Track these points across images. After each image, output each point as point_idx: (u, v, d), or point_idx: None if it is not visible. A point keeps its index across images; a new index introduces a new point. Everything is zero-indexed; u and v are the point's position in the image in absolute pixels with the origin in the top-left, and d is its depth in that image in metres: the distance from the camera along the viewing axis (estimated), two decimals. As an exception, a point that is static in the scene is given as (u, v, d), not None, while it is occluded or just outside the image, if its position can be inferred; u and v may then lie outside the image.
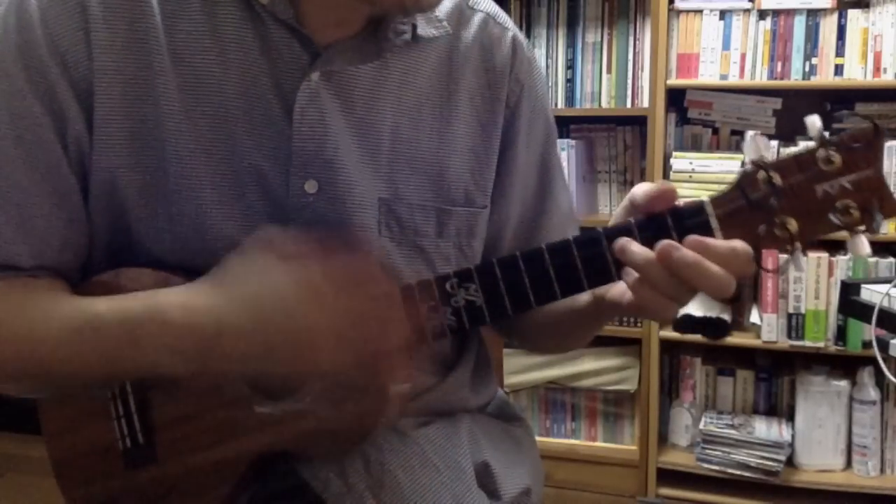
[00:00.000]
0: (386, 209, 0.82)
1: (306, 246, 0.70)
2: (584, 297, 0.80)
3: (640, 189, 0.72)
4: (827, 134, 0.67)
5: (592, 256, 0.72)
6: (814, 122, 0.67)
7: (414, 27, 0.82)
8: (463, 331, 0.75)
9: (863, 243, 0.67)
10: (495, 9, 0.92)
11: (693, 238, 0.68)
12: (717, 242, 0.68)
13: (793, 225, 0.68)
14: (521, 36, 0.93)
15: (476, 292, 0.73)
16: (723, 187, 0.70)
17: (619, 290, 0.75)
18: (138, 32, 0.75)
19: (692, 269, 0.67)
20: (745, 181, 0.69)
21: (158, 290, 0.73)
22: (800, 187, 0.68)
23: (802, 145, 2.15)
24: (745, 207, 0.69)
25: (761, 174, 0.68)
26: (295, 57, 0.78)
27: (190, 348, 0.70)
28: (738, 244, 0.68)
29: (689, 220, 0.70)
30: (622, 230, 0.71)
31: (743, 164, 2.25)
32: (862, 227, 0.67)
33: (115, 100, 0.75)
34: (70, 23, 0.73)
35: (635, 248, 0.69)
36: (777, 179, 0.67)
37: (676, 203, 0.71)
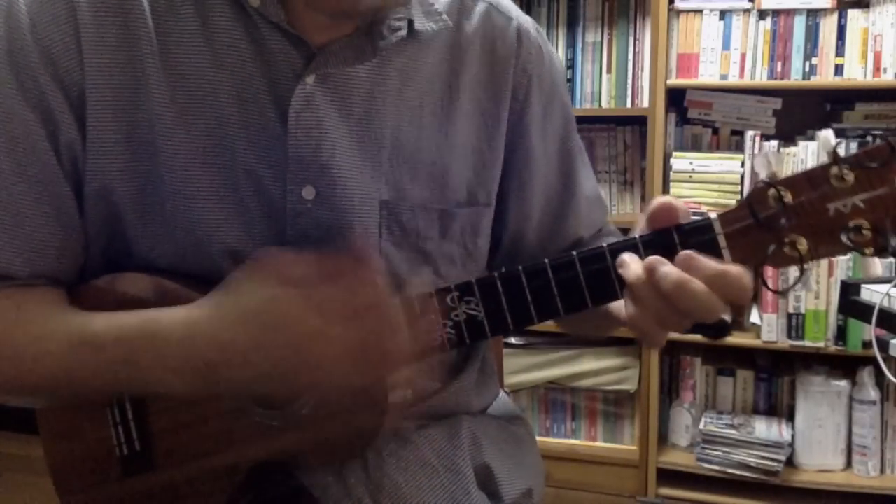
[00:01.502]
0: (387, 212, 0.81)
1: (310, 268, 0.68)
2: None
3: (650, 205, 0.71)
4: (840, 150, 0.66)
5: (596, 273, 0.70)
6: (827, 138, 0.66)
7: (410, 22, 0.80)
8: (463, 344, 0.74)
9: (874, 265, 0.66)
10: None
11: (683, 254, 0.66)
12: (707, 263, 0.65)
13: (803, 244, 0.66)
14: (529, 23, 0.90)
15: (477, 307, 0.72)
16: (732, 204, 0.69)
17: (620, 304, 0.73)
18: (129, 36, 0.74)
19: (676, 286, 0.64)
20: (755, 198, 0.67)
21: (159, 309, 0.72)
22: (811, 205, 0.66)
23: (802, 145, 2.18)
24: (753, 226, 0.67)
25: (772, 191, 0.66)
26: (289, 60, 0.76)
27: (190, 367, 0.69)
28: (732, 269, 0.65)
29: (696, 238, 0.68)
30: (627, 247, 0.70)
31: (742, 164, 2.27)
32: (873, 249, 0.66)
33: (107, 106, 0.74)
34: (60, 29, 0.72)
35: (634, 265, 0.67)
36: (788, 197, 0.66)
37: (683, 220, 0.70)
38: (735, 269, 0.65)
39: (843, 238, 0.66)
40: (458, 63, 0.85)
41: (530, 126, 0.89)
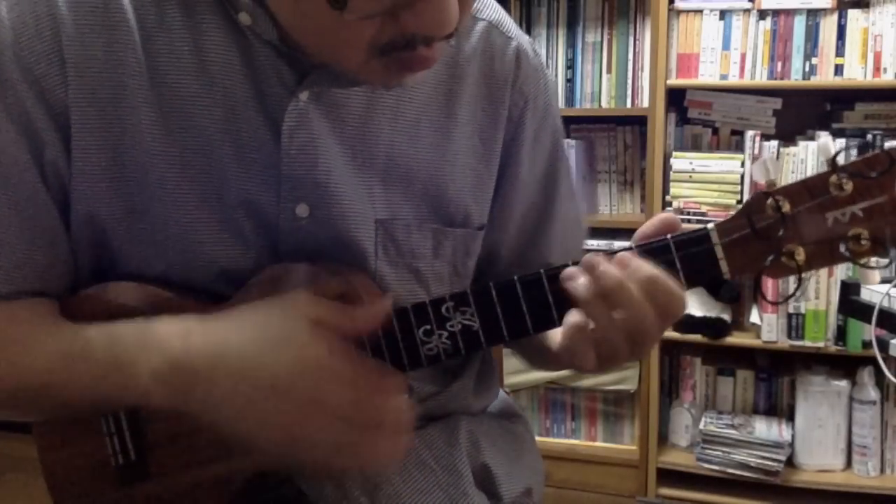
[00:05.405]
0: (383, 231, 0.80)
1: (347, 323, 0.69)
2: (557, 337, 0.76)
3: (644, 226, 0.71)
4: (840, 159, 0.66)
5: None
6: (827, 146, 0.66)
7: None
8: (458, 355, 0.73)
9: (873, 276, 0.66)
10: (500, 16, 0.88)
11: (621, 254, 0.67)
12: (642, 265, 0.66)
13: (800, 254, 0.66)
14: (528, 44, 0.89)
15: (472, 317, 0.72)
16: (732, 204, 0.69)
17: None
18: (115, 53, 0.71)
19: (613, 285, 0.65)
20: (753, 208, 0.67)
21: (154, 318, 0.71)
22: (809, 215, 0.66)
23: (802, 145, 2.18)
24: (751, 235, 0.67)
25: (769, 201, 0.66)
26: (282, 77, 0.74)
27: (178, 379, 0.68)
28: (663, 275, 0.66)
29: (692, 248, 0.68)
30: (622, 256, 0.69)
31: (742, 164, 2.27)
32: (871, 260, 0.65)
33: (92, 126, 0.72)
34: (43, 47, 0.70)
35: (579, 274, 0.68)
36: (786, 207, 0.66)
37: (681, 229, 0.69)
38: (664, 276, 0.66)
39: (842, 248, 0.65)
40: (456, 82, 0.83)
41: (521, 147, 0.88)
